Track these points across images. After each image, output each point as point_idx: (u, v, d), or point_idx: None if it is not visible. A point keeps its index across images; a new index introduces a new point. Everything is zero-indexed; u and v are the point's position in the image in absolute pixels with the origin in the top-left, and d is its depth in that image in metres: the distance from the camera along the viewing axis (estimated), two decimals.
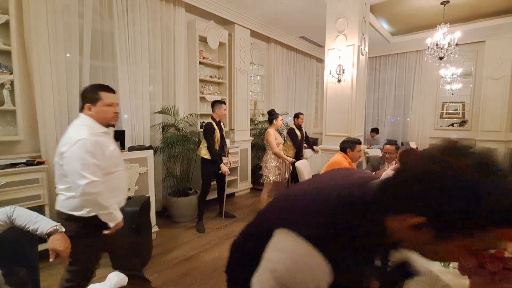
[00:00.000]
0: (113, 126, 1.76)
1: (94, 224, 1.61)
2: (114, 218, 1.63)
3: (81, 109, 1.70)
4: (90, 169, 1.53)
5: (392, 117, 7.77)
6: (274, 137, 3.70)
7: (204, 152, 3.60)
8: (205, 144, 3.61)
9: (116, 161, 1.73)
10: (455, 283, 1.19)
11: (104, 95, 1.68)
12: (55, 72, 2.98)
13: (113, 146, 1.73)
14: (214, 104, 3.70)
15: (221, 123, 3.78)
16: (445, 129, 6.99)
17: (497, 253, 0.91)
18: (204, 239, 3.36)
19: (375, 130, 7.06)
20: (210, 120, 3.62)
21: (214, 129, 3.57)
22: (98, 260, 1.80)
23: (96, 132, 1.64)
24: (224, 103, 3.73)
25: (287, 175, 3.99)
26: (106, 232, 1.61)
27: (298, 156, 4.42)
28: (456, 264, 1.07)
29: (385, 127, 7.79)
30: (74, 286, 1.70)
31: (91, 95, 1.67)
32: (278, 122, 3.83)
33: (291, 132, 4.49)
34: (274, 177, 3.75)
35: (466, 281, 1.11)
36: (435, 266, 1.32)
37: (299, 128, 4.88)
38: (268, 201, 3.78)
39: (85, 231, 1.63)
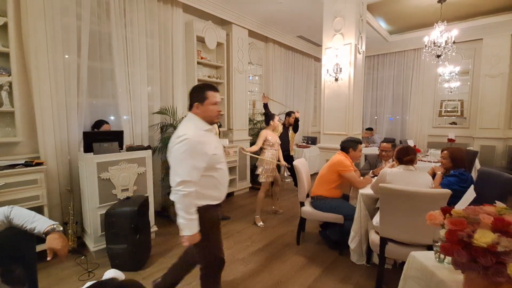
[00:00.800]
0: (216, 123, 1.85)
1: (202, 214, 1.67)
2: (187, 227, 1.59)
3: (190, 108, 1.78)
4: (186, 169, 1.58)
5: (391, 116, 7.78)
6: (263, 138, 3.73)
7: None
8: None
9: (218, 158, 1.76)
10: (450, 278, 1.19)
11: (210, 94, 1.74)
12: (53, 73, 2.99)
13: (215, 143, 1.78)
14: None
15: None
16: (443, 127, 7.00)
17: (489, 247, 0.92)
18: None
19: (369, 130, 7.10)
20: None
21: None
22: (217, 247, 1.85)
23: (201, 130, 1.71)
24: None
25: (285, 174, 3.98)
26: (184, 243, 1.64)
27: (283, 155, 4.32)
28: (451, 259, 1.08)
29: (384, 126, 7.81)
30: (211, 274, 1.84)
31: (199, 95, 1.74)
32: (275, 123, 3.83)
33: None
34: (266, 177, 3.75)
35: (460, 276, 1.13)
36: (430, 262, 1.33)
37: (288, 126, 4.83)
38: (264, 200, 3.79)
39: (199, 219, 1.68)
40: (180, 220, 1.60)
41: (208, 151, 1.66)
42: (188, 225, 1.59)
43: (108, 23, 3.46)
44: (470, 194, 1.34)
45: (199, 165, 1.62)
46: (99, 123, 3.32)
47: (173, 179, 1.60)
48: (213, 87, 1.79)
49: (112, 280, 0.61)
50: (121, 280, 0.62)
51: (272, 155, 3.78)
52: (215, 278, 1.89)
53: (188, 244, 1.62)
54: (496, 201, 1.10)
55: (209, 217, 1.69)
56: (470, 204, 1.18)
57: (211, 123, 1.78)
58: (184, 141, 1.60)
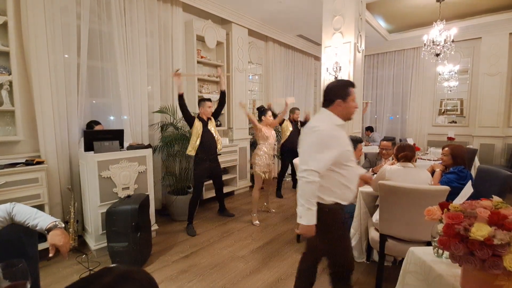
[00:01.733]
0: (350, 120, 1.79)
1: (329, 212, 1.66)
2: (304, 216, 1.58)
3: (327, 104, 1.74)
4: (313, 158, 1.59)
5: (391, 114, 7.80)
6: (255, 120, 3.81)
7: (189, 149, 3.53)
8: (192, 143, 3.52)
9: (349, 156, 1.71)
10: (448, 272, 1.20)
11: (352, 90, 1.72)
12: (54, 72, 3.00)
13: (346, 140, 1.74)
14: (199, 102, 3.68)
15: (210, 121, 3.68)
16: (442, 126, 7.02)
17: (486, 240, 0.93)
18: (203, 236, 3.38)
19: (369, 129, 7.15)
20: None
21: (193, 121, 3.50)
22: (348, 248, 1.82)
23: (334, 124, 1.69)
24: (209, 100, 3.68)
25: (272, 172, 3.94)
26: (297, 231, 1.62)
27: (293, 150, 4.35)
28: (448, 254, 1.09)
29: (383, 124, 7.83)
30: (337, 274, 1.80)
31: (342, 91, 1.71)
32: (267, 118, 3.82)
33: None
34: (261, 172, 3.75)
35: (458, 270, 1.14)
36: (429, 257, 1.34)
37: (295, 123, 4.96)
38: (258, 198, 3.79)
39: (325, 217, 1.66)
40: (299, 208, 1.60)
41: (338, 146, 1.65)
42: (306, 214, 1.58)
43: (108, 23, 3.47)
44: (468, 189, 1.36)
45: (327, 158, 1.60)
46: (90, 124, 3.30)
47: (300, 167, 1.62)
48: (353, 83, 1.78)
49: (118, 266, 0.63)
50: (128, 267, 0.63)
51: (267, 149, 3.76)
52: (348, 280, 1.83)
53: (301, 234, 1.62)
54: (493, 196, 1.12)
55: (337, 216, 1.68)
56: (468, 200, 1.19)
57: (347, 119, 1.75)
58: (316, 132, 1.63)
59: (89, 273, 2.57)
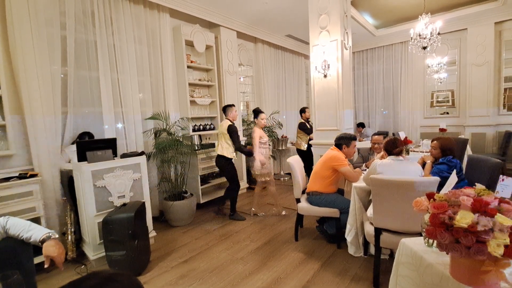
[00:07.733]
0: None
1: None
2: None
3: None
4: None
5: (383, 109, 7.87)
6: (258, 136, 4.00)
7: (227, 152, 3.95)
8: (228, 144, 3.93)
9: None
10: (437, 261, 1.23)
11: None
12: (43, 84, 2.99)
13: None
14: (225, 109, 4.07)
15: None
16: (434, 117, 7.09)
17: (470, 227, 0.96)
18: (202, 240, 3.39)
19: (361, 125, 7.23)
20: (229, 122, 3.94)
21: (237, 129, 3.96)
22: None
23: None
24: (233, 105, 4.12)
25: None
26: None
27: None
28: None
29: (376, 119, 7.89)
30: None
31: None
32: (259, 121, 4.10)
33: (301, 125, 5.51)
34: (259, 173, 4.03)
35: (447, 258, 1.17)
36: (420, 247, 1.37)
37: (307, 121, 5.49)
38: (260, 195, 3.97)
39: None
40: None
41: None
42: None
43: (95, 32, 3.47)
44: (453, 179, 1.39)
45: None
46: (83, 136, 3.35)
47: None
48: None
49: (104, 270, 0.66)
50: (114, 271, 0.66)
51: (266, 153, 3.89)
52: None
53: None
54: (475, 183, 1.15)
55: None
56: (453, 188, 1.22)
57: None
58: None
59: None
